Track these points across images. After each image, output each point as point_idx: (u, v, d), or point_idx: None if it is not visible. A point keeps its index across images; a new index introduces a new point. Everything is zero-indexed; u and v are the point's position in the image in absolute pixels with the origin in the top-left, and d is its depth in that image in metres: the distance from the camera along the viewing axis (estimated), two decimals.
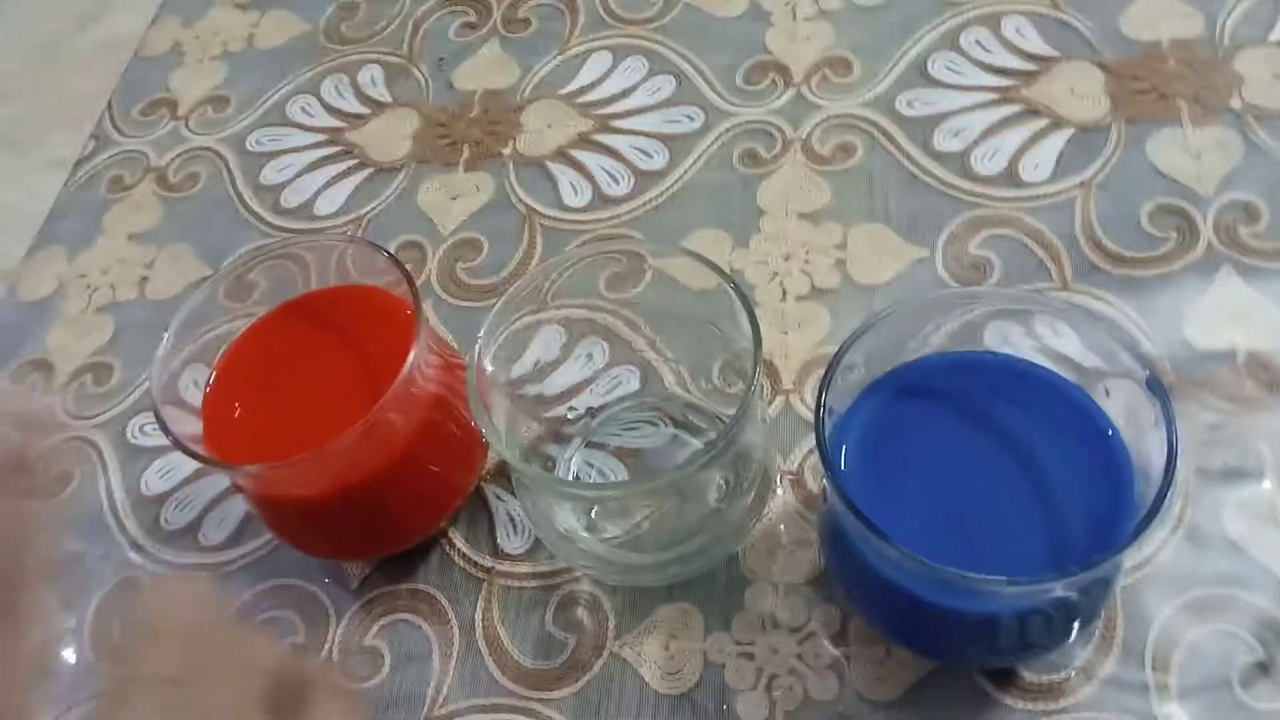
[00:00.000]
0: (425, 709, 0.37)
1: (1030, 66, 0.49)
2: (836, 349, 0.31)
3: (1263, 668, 0.33)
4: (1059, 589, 0.28)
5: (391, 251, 0.49)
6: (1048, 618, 0.30)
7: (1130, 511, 0.29)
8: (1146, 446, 0.28)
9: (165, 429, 0.34)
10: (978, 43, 0.51)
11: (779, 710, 0.35)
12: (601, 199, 0.50)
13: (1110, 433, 0.30)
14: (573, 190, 0.50)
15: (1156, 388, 0.28)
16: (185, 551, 0.43)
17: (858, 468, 0.32)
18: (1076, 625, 0.31)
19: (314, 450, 0.33)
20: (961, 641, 0.32)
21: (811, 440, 0.40)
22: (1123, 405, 0.30)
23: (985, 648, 0.32)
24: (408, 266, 0.48)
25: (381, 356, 0.37)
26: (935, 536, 0.29)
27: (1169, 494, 0.26)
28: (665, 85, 0.53)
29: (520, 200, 0.50)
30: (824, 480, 0.31)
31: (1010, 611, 0.30)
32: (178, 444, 0.34)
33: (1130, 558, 0.35)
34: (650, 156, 0.50)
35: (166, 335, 0.36)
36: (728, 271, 0.45)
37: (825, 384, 0.30)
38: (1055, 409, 0.32)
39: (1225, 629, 0.34)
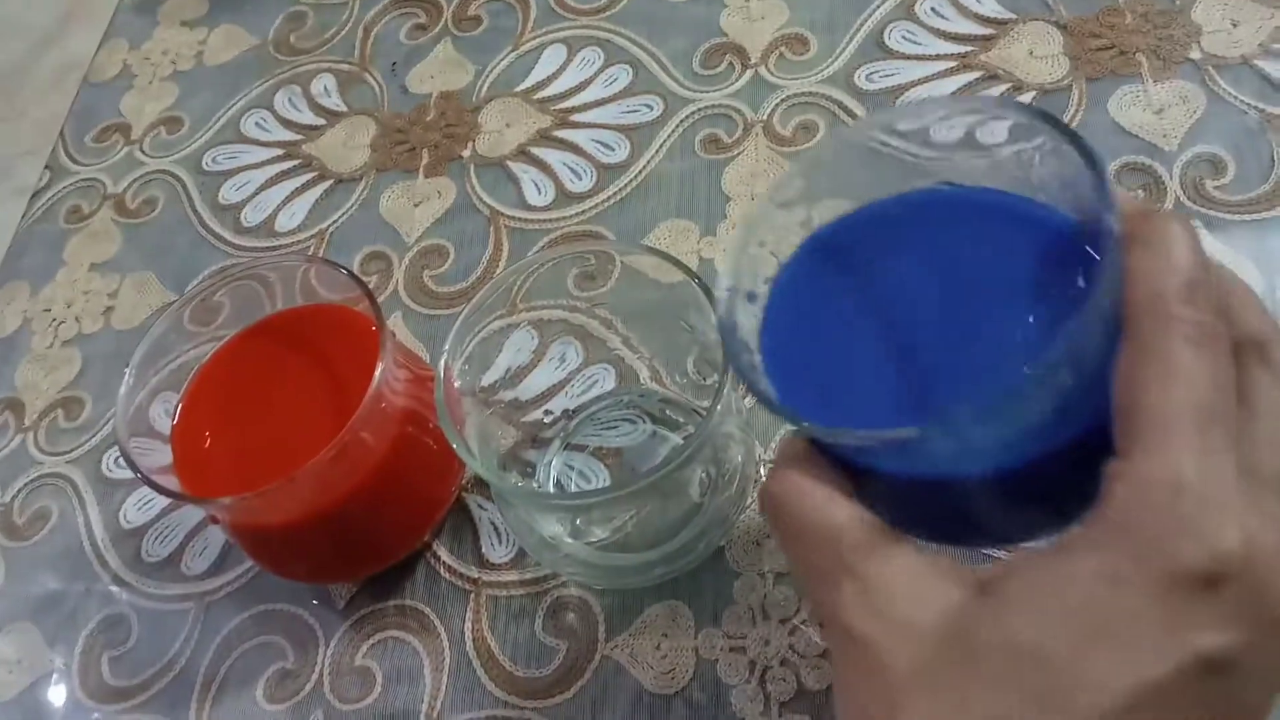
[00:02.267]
0: None
1: (988, 31, 0.48)
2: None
3: None
4: (1041, 386, 0.22)
5: (355, 265, 0.49)
6: (1054, 452, 0.24)
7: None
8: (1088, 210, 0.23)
9: (133, 466, 0.34)
10: (934, 10, 0.50)
11: (774, 702, 0.35)
12: (565, 196, 0.49)
13: (1065, 239, 0.25)
14: (536, 189, 0.50)
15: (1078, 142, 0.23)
16: (169, 583, 0.43)
17: (787, 357, 0.27)
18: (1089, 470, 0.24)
19: (285, 477, 0.32)
20: (978, 510, 0.26)
21: (790, 427, 0.40)
22: (1054, 175, 0.25)
23: (1003, 510, 0.26)
24: (374, 278, 0.49)
25: (349, 375, 0.37)
26: (888, 403, 0.25)
27: (1114, 235, 0.21)
28: (622, 75, 0.52)
29: (483, 202, 0.50)
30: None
31: (1013, 453, 0.24)
32: (146, 480, 0.34)
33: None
34: (611, 149, 0.50)
35: (128, 371, 0.36)
36: (697, 261, 0.45)
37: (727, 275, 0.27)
38: (999, 231, 0.27)
39: None
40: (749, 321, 0.27)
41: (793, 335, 0.27)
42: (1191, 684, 0.19)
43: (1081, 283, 0.23)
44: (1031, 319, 0.24)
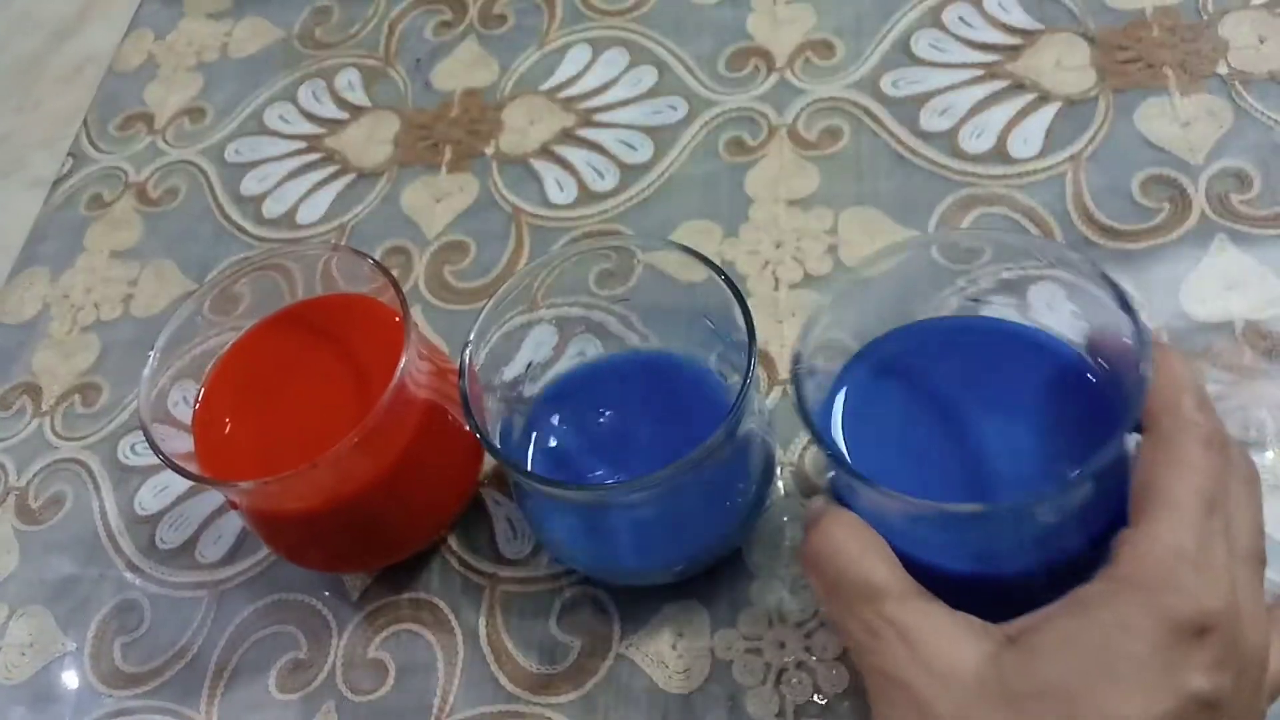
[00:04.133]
0: (432, 719, 0.37)
1: (1015, 41, 0.48)
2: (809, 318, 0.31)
3: None
4: (1065, 509, 0.28)
5: (377, 258, 0.49)
6: (1057, 566, 0.29)
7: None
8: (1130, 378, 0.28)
9: (155, 448, 0.34)
10: (961, 19, 0.50)
11: (789, 704, 0.35)
12: (587, 194, 0.49)
13: (1095, 380, 0.30)
14: (558, 187, 0.50)
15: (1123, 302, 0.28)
16: (182, 570, 0.43)
17: (850, 434, 0.31)
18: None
19: (307, 464, 0.32)
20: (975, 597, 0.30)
21: None
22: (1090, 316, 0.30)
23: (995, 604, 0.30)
24: (394, 272, 0.48)
25: (372, 365, 0.37)
26: (931, 490, 0.28)
27: (1143, 392, 0.26)
28: (647, 76, 0.52)
29: (505, 199, 0.50)
30: (825, 457, 0.31)
31: (1020, 565, 0.29)
32: (168, 463, 0.34)
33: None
34: (635, 149, 0.50)
35: (153, 353, 0.36)
36: (718, 262, 0.45)
37: (801, 345, 0.30)
38: (1041, 363, 0.31)
39: None
40: (812, 393, 0.30)
41: (859, 416, 0.32)
42: (1187, 718, 0.23)
43: (1117, 416, 0.28)
44: (1070, 437, 0.30)
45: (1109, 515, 0.28)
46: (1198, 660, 0.23)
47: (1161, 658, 0.23)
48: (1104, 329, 0.29)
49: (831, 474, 0.34)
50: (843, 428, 0.32)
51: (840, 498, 0.32)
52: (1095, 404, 0.30)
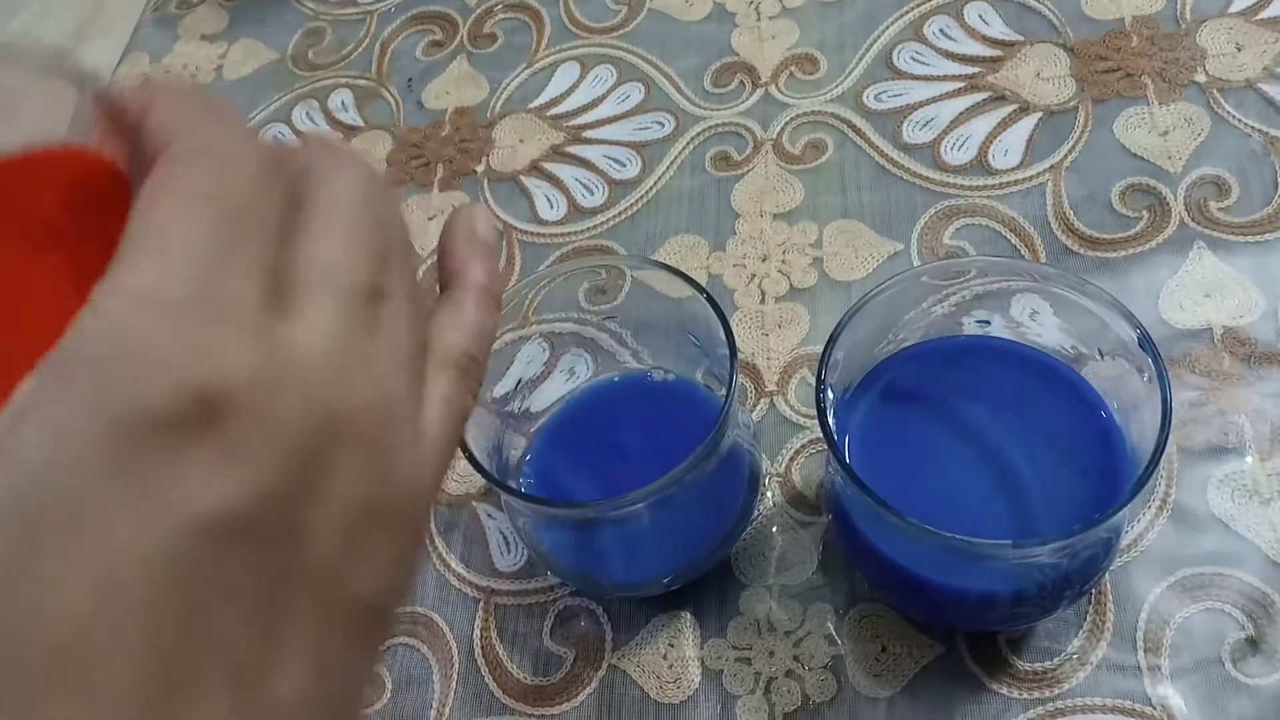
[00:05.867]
0: None
1: (995, 52, 0.49)
2: (833, 329, 0.32)
3: (1252, 643, 0.33)
4: (1058, 554, 0.29)
5: None
6: (1040, 585, 0.31)
7: (1125, 477, 0.30)
8: (1136, 413, 0.29)
9: None
10: (942, 31, 0.51)
11: (778, 712, 0.35)
12: (577, 210, 0.50)
13: (1098, 404, 0.31)
14: (548, 203, 0.50)
15: (1147, 344, 0.29)
16: None
17: (859, 451, 0.33)
18: (1067, 595, 0.32)
19: None
20: (963, 610, 0.33)
21: (798, 440, 0.41)
22: (1107, 379, 0.31)
23: (983, 617, 0.33)
24: None
25: None
26: (938, 513, 0.29)
27: (1165, 444, 0.27)
28: (634, 92, 0.53)
29: (496, 216, 0.51)
30: (826, 464, 0.33)
31: (1009, 584, 0.30)
32: None
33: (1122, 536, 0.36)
34: (623, 165, 0.51)
35: None
36: (706, 276, 0.46)
37: (824, 360, 0.31)
38: (1045, 386, 0.33)
39: (1214, 607, 0.34)
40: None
41: (861, 441, 0.33)
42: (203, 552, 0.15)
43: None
44: (1084, 487, 0.31)
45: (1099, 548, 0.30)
46: (197, 458, 0.15)
47: (126, 473, 0.15)
48: None
49: (833, 485, 0.34)
50: (849, 445, 0.33)
51: (841, 509, 0.33)
52: (1100, 438, 0.31)
